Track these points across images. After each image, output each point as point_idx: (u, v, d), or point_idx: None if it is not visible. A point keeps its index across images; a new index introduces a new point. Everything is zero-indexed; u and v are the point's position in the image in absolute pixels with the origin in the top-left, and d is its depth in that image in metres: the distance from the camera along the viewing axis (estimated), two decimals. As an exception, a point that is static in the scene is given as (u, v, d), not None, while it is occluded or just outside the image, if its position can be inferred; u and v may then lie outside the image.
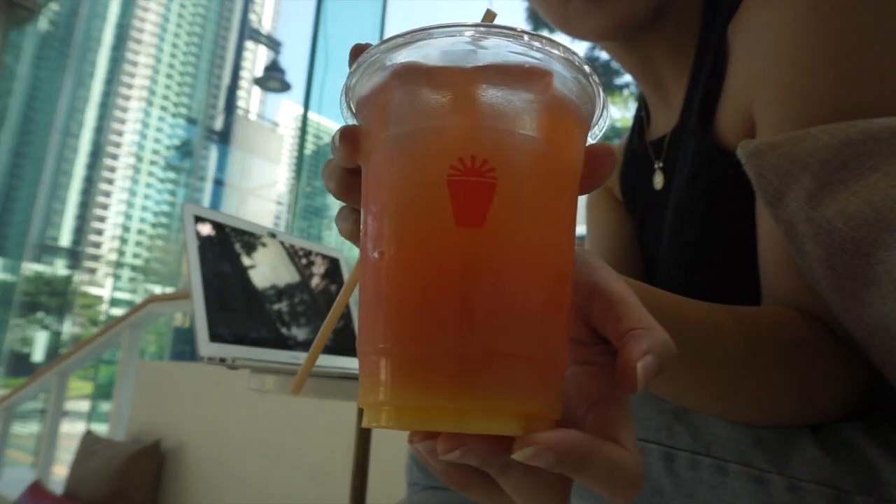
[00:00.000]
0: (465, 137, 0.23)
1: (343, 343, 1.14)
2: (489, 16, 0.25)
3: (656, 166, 0.57)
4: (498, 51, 0.23)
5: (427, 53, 0.24)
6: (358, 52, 0.27)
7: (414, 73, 0.24)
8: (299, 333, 1.07)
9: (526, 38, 0.23)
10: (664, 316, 0.31)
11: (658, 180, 0.57)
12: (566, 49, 0.24)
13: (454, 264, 0.22)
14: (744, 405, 0.36)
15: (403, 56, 0.24)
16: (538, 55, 0.23)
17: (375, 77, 0.25)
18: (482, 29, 0.23)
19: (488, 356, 0.21)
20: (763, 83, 0.42)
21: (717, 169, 0.45)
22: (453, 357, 0.21)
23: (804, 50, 0.39)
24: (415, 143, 0.24)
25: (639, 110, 0.64)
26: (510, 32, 0.23)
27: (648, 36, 0.54)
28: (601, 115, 0.26)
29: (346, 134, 0.26)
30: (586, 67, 0.25)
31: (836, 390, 0.37)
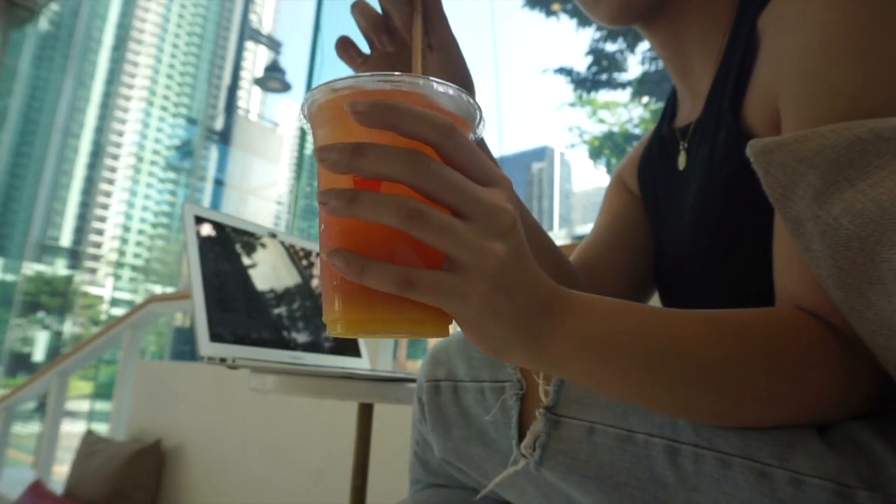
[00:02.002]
0: None
1: (343, 343, 1.14)
2: None
3: (681, 147, 0.60)
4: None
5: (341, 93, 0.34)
6: (343, 43, 0.52)
7: (326, 107, 0.34)
8: (299, 333, 1.06)
9: (398, 77, 0.33)
10: (653, 325, 0.35)
11: (682, 160, 0.60)
12: (437, 82, 0.34)
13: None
14: (733, 409, 0.36)
15: (325, 94, 0.34)
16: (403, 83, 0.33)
17: (314, 108, 0.35)
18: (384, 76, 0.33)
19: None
20: (789, 73, 0.42)
21: (743, 155, 0.46)
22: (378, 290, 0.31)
23: (830, 41, 0.40)
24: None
25: (669, 98, 0.68)
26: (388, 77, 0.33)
27: (670, 20, 0.57)
28: (480, 119, 0.36)
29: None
30: (465, 95, 0.34)
31: (835, 391, 0.36)
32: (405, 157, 0.29)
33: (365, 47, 0.54)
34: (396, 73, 0.33)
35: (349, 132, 0.32)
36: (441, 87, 0.33)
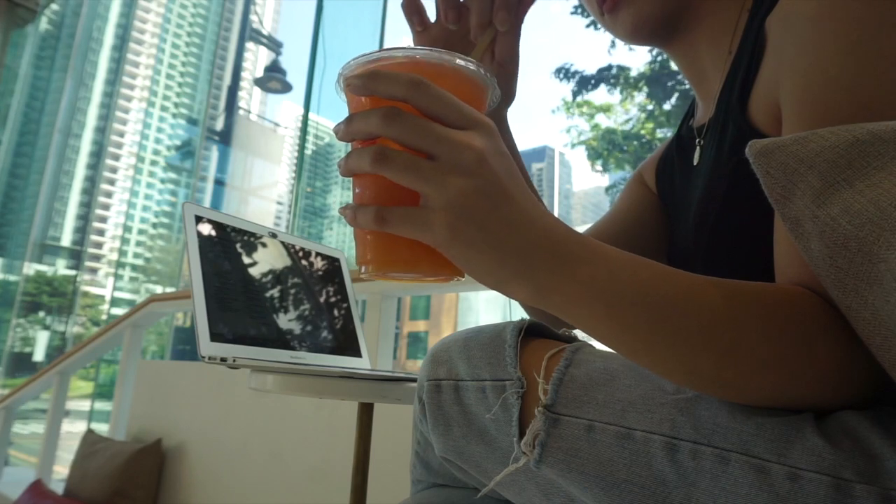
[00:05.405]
0: None
1: (343, 343, 1.14)
2: None
3: (696, 144, 0.63)
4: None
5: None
6: (412, 5, 0.57)
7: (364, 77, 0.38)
8: (300, 333, 1.07)
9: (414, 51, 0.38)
10: (655, 275, 0.36)
11: (696, 156, 0.62)
12: (461, 56, 0.39)
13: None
14: (736, 374, 0.36)
15: (359, 69, 0.39)
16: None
17: (346, 85, 0.39)
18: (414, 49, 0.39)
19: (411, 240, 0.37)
20: (787, 68, 0.43)
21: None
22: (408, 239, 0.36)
23: (826, 36, 0.41)
24: None
25: (691, 103, 0.71)
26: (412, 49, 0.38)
27: (684, 33, 0.60)
28: (494, 89, 0.42)
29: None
30: (474, 65, 0.39)
31: (841, 364, 0.36)
32: (378, 113, 0.34)
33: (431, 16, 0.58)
34: (408, 47, 0.38)
35: (357, 106, 0.39)
36: (462, 61, 0.39)
